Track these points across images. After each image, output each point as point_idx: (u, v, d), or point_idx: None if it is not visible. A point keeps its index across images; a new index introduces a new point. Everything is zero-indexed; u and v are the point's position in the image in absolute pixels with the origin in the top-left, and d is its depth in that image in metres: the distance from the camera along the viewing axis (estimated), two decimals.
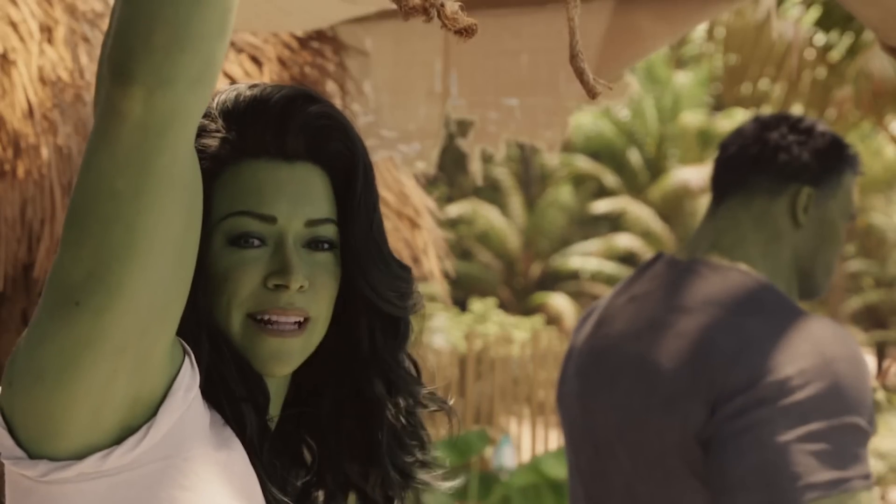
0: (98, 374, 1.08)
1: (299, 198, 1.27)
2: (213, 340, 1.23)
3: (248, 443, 1.23)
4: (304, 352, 1.27)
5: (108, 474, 1.13)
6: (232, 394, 1.23)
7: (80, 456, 1.12)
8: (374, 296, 1.30)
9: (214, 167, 1.23)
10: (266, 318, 1.25)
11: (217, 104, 1.28)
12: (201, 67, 1.05)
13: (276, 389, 1.29)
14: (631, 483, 2.06)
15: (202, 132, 1.25)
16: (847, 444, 1.93)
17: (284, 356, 1.25)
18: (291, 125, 1.27)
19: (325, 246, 1.28)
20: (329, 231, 1.28)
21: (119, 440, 1.13)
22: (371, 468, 1.33)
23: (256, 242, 1.25)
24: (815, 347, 1.97)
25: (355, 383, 1.33)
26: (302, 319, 1.26)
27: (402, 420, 1.34)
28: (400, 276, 1.32)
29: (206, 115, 1.26)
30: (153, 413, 1.13)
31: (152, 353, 1.11)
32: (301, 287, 1.25)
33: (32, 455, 1.12)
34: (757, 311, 2.03)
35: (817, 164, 2.15)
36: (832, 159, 2.16)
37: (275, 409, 1.29)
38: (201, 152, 1.20)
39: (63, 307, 1.07)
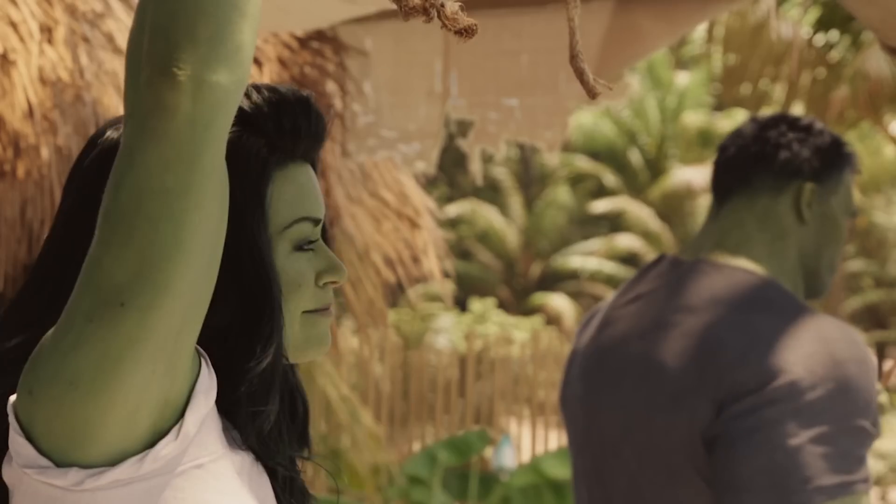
0: (138, 377, 1.08)
1: (322, 199, 1.31)
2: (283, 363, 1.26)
3: (263, 449, 1.24)
4: None
5: (143, 479, 1.12)
6: (274, 410, 1.24)
7: (113, 462, 1.11)
8: None
9: (267, 171, 1.24)
10: (318, 308, 1.29)
11: (254, 107, 1.26)
12: (241, 57, 1.06)
13: None
14: (636, 484, 2.06)
15: (246, 136, 1.24)
16: (852, 447, 1.93)
17: (330, 333, 1.30)
18: (321, 131, 1.30)
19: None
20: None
21: (150, 444, 1.12)
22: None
23: (310, 245, 1.29)
24: (825, 348, 1.97)
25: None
26: None
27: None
28: None
29: (247, 120, 1.25)
30: (180, 415, 1.13)
31: (183, 352, 1.11)
32: None
33: (59, 463, 1.11)
34: (764, 308, 2.03)
35: (818, 161, 2.15)
36: (832, 155, 2.16)
37: None
38: (249, 156, 1.21)
39: (105, 309, 1.06)
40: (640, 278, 2.18)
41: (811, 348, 1.96)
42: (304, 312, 1.27)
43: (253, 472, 1.22)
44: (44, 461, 1.11)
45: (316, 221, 1.28)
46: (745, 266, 2.10)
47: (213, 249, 1.10)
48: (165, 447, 1.12)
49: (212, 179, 1.07)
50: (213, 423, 1.18)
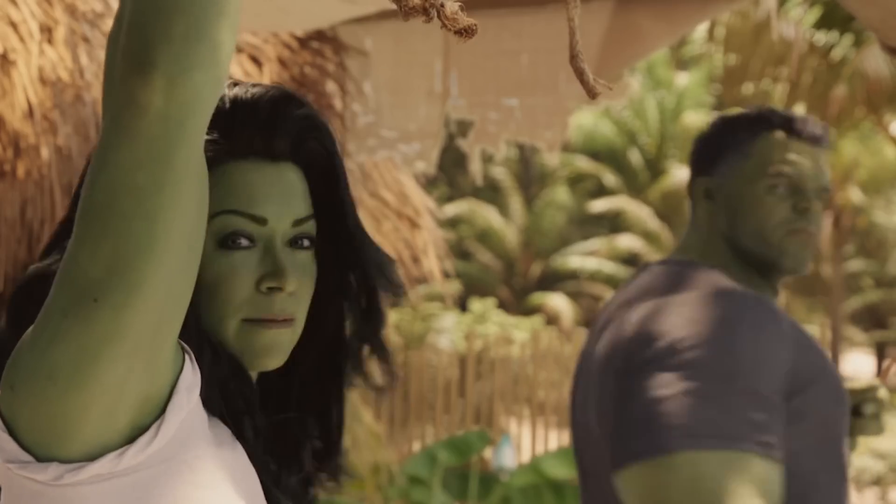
0: (114, 373, 1.08)
1: (286, 198, 1.28)
2: (210, 344, 1.24)
3: (246, 442, 1.24)
4: (291, 345, 1.29)
5: (123, 474, 1.12)
6: (230, 395, 1.24)
7: (93, 457, 1.11)
8: (379, 275, 1.33)
9: None
10: (260, 317, 1.26)
11: None
12: (217, 57, 1.05)
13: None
14: (605, 480, 2.08)
15: None
16: (739, 408, 1.92)
17: (277, 347, 1.26)
18: (280, 127, 1.28)
19: (306, 243, 1.29)
20: (311, 228, 1.30)
21: (130, 439, 1.12)
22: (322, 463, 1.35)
23: (246, 242, 1.26)
24: (718, 313, 1.99)
25: (328, 376, 1.35)
26: (291, 320, 1.28)
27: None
28: (390, 260, 1.35)
29: None
30: (161, 411, 1.13)
31: (162, 350, 1.11)
32: (291, 291, 1.26)
33: (40, 458, 1.11)
34: (681, 290, 2.07)
35: (701, 154, 2.21)
36: (717, 141, 2.20)
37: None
38: None
39: (80, 305, 1.06)
40: (626, 283, 2.24)
41: (704, 313, 1.99)
42: (245, 320, 1.25)
43: (242, 470, 1.22)
44: (25, 456, 1.11)
45: (254, 218, 1.25)
46: (691, 262, 2.15)
47: (190, 248, 1.09)
48: (146, 443, 1.12)
49: (187, 178, 1.06)
50: (198, 419, 1.18)
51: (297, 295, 1.27)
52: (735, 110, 2.28)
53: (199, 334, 1.21)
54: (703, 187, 2.19)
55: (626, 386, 1.97)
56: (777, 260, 2.13)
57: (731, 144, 2.18)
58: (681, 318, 1.99)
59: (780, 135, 2.16)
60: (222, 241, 1.25)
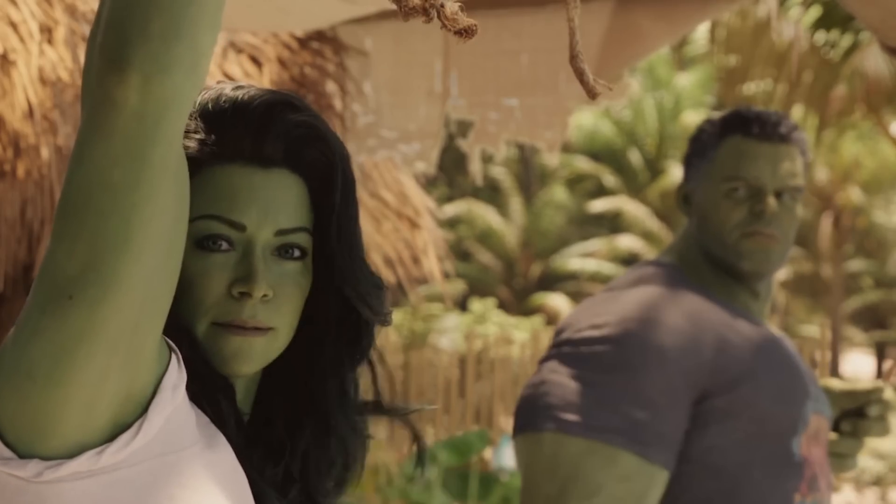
0: (91, 370, 1.08)
1: (271, 206, 1.25)
2: (187, 342, 1.23)
3: (228, 438, 1.23)
4: (266, 355, 1.26)
5: (103, 472, 1.12)
6: (209, 390, 1.23)
7: (73, 454, 1.11)
8: (358, 300, 1.29)
9: (190, 168, 1.19)
10: (229, 322, 1.24)
11: (198, 104, 1.26)
12: (195, 56, 1.04)
13: (245, 390, 1.29)
14: None
15: None
16: (616, 402, 1.98)
17: (246, 354, 1.24)
18: (270, 131, 1.26)
19: (296, 253, 1.26)
20: (301, 239, 1.27)
21: (111, 437, 1.12)
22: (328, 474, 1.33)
23: (224, 245, 1.24)
24: (630, 311, 2.04)
25: (313, 388, 1.33)
26: (264, 329, 1.25)
27: (352, 431, 1.33)
28: (379, 285, 1.31)
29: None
30: (144, 410, 1.13)
31: (143, 348, 1.11)
32: (265, 296, 1.23)
33: (22, 454, 1.11)
34: (621, 288, 2.12)
35: (684, 159, 2.26)
36: (692, 148, 2.24)
37: (245, 409, 1.30)
38: None
39: (56, 302, 1.06)
40: None
41: (616, 310, 2.04)
42: (214, 324, 1.23)
43: (230, 471, 1.20)
44: (7, 452, 1.11)
45: (232, 224, 1.24)
46: (663, 262, 2.18)
47: (169, 245, 1.09)
48: (126, 441, 1.12)
49: (164, 176, 1.06)
50: (185, 418, 1.17)
51: (274, 304, 1.24)
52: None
53: (176, 333, 1.20)
54: (681, 192, 2.24)
55: (536, 370, 2.10)
56: (735, 263, 2.15)
57: (699, 150, 2.22)
58: (590, 313, 2.07)
59: (738, 138, 2.19)
60: (200, 242, 1.24)
